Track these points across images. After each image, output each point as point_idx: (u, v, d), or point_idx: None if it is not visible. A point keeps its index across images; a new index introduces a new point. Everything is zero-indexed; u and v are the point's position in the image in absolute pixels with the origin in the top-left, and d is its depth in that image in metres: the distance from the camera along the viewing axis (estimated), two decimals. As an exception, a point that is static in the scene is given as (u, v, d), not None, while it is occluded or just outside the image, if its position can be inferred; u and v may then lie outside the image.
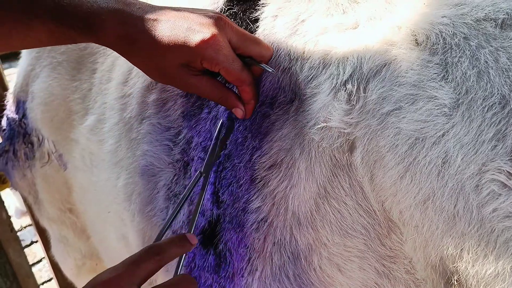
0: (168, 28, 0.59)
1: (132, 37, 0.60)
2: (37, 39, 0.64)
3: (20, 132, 1.06)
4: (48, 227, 1.25)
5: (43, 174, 1.09)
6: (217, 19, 0.60)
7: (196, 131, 0.68)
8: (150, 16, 0.60)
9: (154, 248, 0.56)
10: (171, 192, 0.71)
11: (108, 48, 0.69)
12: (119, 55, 0.65)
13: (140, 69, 0.65)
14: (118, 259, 0.92)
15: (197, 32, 0.58)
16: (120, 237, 0.84)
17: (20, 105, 1.04)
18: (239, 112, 0.62)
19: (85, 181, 0.92)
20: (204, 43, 0.58)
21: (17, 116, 1.07)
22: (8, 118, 1.11)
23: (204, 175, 0.64)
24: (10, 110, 1.10)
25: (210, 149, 0.64)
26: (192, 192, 0.65)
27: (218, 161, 0.64)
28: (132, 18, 0.60)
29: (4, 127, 1.14)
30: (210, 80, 0.62)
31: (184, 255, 0.59)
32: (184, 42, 0.58)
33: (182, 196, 0.64)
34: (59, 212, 1.13)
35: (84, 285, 0.51)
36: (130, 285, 0.51)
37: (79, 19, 0.61)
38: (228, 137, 0.64)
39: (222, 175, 0.63)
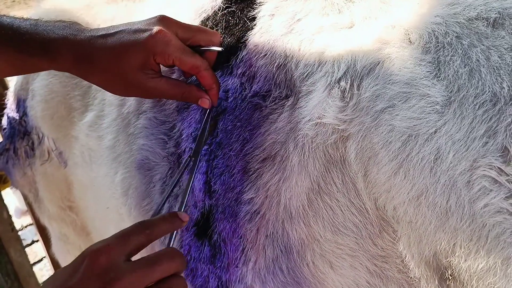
0: (117, 37, 0.62)
1: (88, 56, 0.63)
2: (2, 68, 0.68)
3: (20, 130, 1.06)
4: (48, 225, 1.25)
5: (43, 172, 1.09)
6: (160, 18, 0.63)
7: (187, 122, 0.69)
8: (101, 33, 0.63)
9: (145, 223, 0.57)
10: (166, 185, 0.71)
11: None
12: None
13: (101, 87, 0.67)
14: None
15: (144, 31, 0.61)
16: (118, 233, 0.85)
17: (20, 103, 1.05)
18: (205, 101, 0.64)
19: (84, 177, 0.92)
20: (152, 38, 0.60)
21: (17, 114, 1.07)
22: (8, 117, 1.12)
23: (193, 159, 0.64)
24: (10, 109, 1.11)
25: (199, 133, 0.65)
26: (183, 177, 0.66)
27: (209, 148, 0.65)
28: (85, 38, 0.63)
29: (4, 126, 1.15)
30: (169, 79, 0.64)
31: (175, 232, 0.60)
32: (134, 43, 0.61)
33: (172, 180, 0.65)
34: (59, 210, 1.13)
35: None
36: (119, 256, 0.52)
37: (37, 46, 0.64)
38: (217, 121, 0.65)
39: (214, 164, 0.64)
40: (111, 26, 0.64)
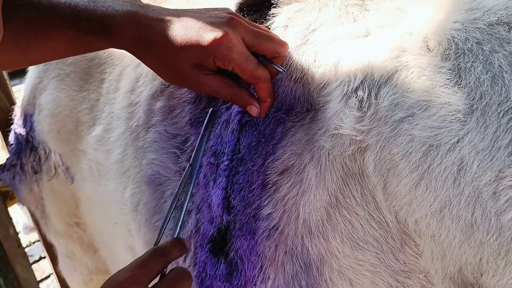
0: (181, 28, 0.60)
1: (146, 39, 0.61)
2: (56, 49, 0.66)
3: (27, 146, 1.07)
4: (55, 242, 1.25)
5: (50, 188, 1.09)
6: (229, 19, 0.61)
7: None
8: (164, 17, 0.61)
9: (160, 250, 0.60)
10: (178, 201, 0.70)
11: (115, 58, 0.70)
12: (131, 61, 0.66)
13: (154, 71, 0.66)
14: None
15: (210, 31, 0.59)
16: (128, 249, 0.84)
17: (27, 118, 1.05)
18: (254, 109, 0.62)
19: (93, 192, 0.92)
20: (216, 41, 0.58)
21: (24, 130, 1.08)
22: (15, 133, 1.12)
23: (192, 167, 0.64)
24: (17, 124, 1.11)
25: (198, 141, 0.65)
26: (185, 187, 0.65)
27: (230, 164, 0.64)
28: (146, 19, 0.61)
29: (11, 142, 1.15)
30: (222, 78, 0.63)
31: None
32: (197, 41, 0.59)
33: (176, 192, 0.64)
34: (66, 226, 1.13)
35: None
36: (142, 285, 0.56)
37: (95, 23, 0.62)
38: (212, 127, 0.65)
39: (234, 180, 0.63)
40: (176, 10, 0.63)
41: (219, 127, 0.67)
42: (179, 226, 0.63)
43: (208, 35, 0.59)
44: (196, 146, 0.65)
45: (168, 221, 0.64)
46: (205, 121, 0.66)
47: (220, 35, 0.58)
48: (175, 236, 0.63)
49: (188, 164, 0.65)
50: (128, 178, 0.79)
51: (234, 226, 0.63)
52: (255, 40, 0.61)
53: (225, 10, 0.64)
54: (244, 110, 0.64)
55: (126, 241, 0.83)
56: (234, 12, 0.64)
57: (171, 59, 0.62)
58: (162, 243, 0.61)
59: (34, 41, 0.64)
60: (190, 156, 0.69)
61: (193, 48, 0.59)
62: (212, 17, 0.61)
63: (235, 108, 0.65)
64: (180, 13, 0.62)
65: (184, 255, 0.66)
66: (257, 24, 0.66)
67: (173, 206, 0.64)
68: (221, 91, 0.63)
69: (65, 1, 0.63)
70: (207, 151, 0.67)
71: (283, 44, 0.63)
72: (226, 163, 0.64)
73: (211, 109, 0.66)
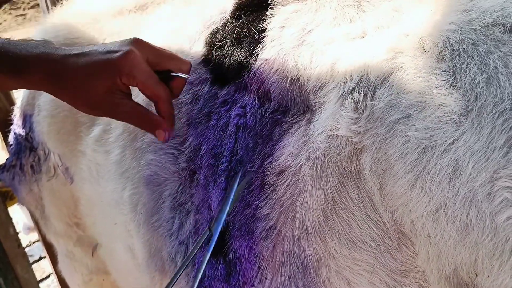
0: (89, 57, 0.64)
1: (58, 74, 0.65)
2: None
3: (26, 146, 1.07)
4: (55, 242, 1.25)
5: (49, 188, 1.10)
6: (133, 40, 0.65)
7: (205, 138, 0.69)
8: (74, 52, 0.65)
9: None
10: (176, 201, 0.71)
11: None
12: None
13: (70, 104, 0.69)
14: (125, 271, 0.92)
15: (114, 52, 0.63)
16: (127, 249, 0.85)
17: (26, 119, 1.06)
18: (161, 134, 0.66)
19: (92, 193, 0.92)
20: (120, 59, 0.62)
21: (23, 130, 1.08)
22: (15, 133, 1.13)
23: (211, 232, 0.64)
24: (17, 125, 1.12)
25: (222, 206, 0.64)
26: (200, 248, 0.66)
27: (229, 166, 0.64)
28: (57, 57, 0.65)
29: (11, 142, 1.15)
30: (134, 105, 0.66)
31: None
32: (103, 63, 0.63)
33: (190, 252, 0.64)
34: (66, 227, 1.14)
35: None
36: None
37: (7, 63, 0.65)
38: (243, 190, 0.64)
39: (233, 181, 0.64)
40: (87, 45, 0.67)
41: (218, 129, 0.67)
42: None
43: (113, 55, 0.63)
44: (219, 211, 0.64)
45: (176, 280, 0.63)
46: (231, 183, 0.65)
47: (124, 53, 0.62)
48: None
49: (207, 228, 0.65)
50: (127, 178, 0.80)
51: (233, 227, 0.63)
52: (159, 58, 0.66)
53: (132, 37, 0.67)
54: (241, 113, 0.64)
55: (125, 241, 0.84)
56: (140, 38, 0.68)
57: (84, 88, 0.65)
58: None
59: None
60: (189, 157, 0.70)
61: (101, 70, 0.63)
62: (117, 42, 0.66)
63: (234, 111, 0.65)
64: (89, 47, 0.66)
65: (183, 256, 0.67)
66: (161, 48, 0.69)
67: (184, 268, 0.64)
68: (132, 117, 0.67)
69: None
70: (207, 154, 0.67)
71: (185, 63, 0.67)
72: (225, 164, 0.65)
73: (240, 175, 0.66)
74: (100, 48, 0.64)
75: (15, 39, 0.68)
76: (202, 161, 0.67)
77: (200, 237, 0.64)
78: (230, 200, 0.63)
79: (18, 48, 0.65)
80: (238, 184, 0.64)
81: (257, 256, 0.61)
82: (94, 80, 0.64)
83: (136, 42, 0.65)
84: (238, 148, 0.64)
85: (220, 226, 0.63)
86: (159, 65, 0.66)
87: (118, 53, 0.63)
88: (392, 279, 0.54)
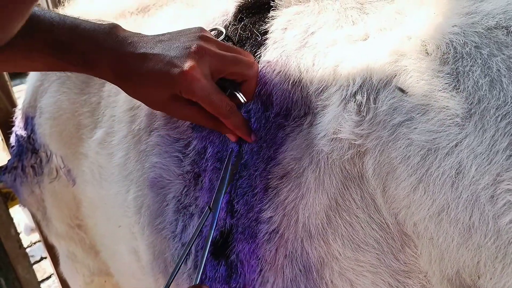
0: (152, 64, 0.64)
1: (125, 74, 0.66)
2: (33, 67, 0.73)
3: (28, 148, 1.08)
4: (56, 244, 1.26)
5: (51, 190, 1.10)
6: (196, 49, 0.63)
7: (210, 141, 0.69)
8: (139, 51, 0.65)
9: None
10: (180, 204, 0.71)
11: None
12: None
13: (139, 101, 0.71)
14: (128, 273, 0.92)
15: (175, 66, 0.62)
16: (131, 251, 0.85)
17: (28, 121, 1.06)
18: (231, 136, 0.66)
19: (94, 195, 0.93)
20: (180, 76, 0.62)
21: (25, 132, 1.09)
22: (16, 135, 1.13)
23: (212, 211, 0.65)
24: (18, 127, 1.12)
25: (219, 184, 0.65)
26: (202, 231, 0.67)
27: (228, 190, 0.65)
28: (125, 55, 0.65)
29: (12, 144, 1.16)
30: (200, 110, 0.65)
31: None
32: (165, 77, 0.63)
33: (192, 234, 0.65)
34: (68, 228, 1.14)
35: None
36: None
37: (77, 56, 0.66)
38: (237, 168, 0.65)
39: (238, 184, 0.64)
40: (151, 40, 0.66)
41: (223, 135, 0.68)
42: (200, 272, 0.64)
43: (173, 70, 0.62)
44: (216, 189, 0.66)
45: (181, 263, 0.65)
46: (226, 162, 0.66)
47: (184, 70, 0.62)
48: (197, 281, 0.63)
49: (207, 207, 0.65)
50: (130, 181, 0.80)
51: (236, 230, 0.64)
52: (222, 66, 0.64)
53: (196, 35, 0.66)
54: (246, 117, 0.65)
55: (129, 243, 0.84)
56: (204, 31, 0.67)
57: (149, 93, 0.66)
58: None
59: (13, 58, 0.67)
60: (193, 160, 0.70)
61: (163, 84, 0.63)
62: (180, 48, 0.64)
63: None
64: (153, 45, 0.65)
65: (185, 258, 0.67)
66: (227, 45, 0.68)
67: (189, 248, 0.65)
68: (201, 120, 0.67)
69: (46, 27, 0.66)
70: (212, 157, 0.68)
71: (250, 65, 0.65)
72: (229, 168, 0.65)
73: (230, 149, 0.67)
74: (163, 54, 0.64)
75: (83, 20, 0.68)
76: (207, 164, 0.68)
77: (201, 218, 0.65)
78: (227, 179, 0.65)
79: (85, 38, 0.66)
80: (232, 163, 0.65)
81: (259, 259, 0.61)
82: (156, 89, 0.65)
83: (198, 51, 0.63)
84: (243, 152, 0.65)
85: (220, 204, 0.64)
86: (223, 73, 0.65)
87: (178, 69, 0.62)
88: (395, 280, 0.55)
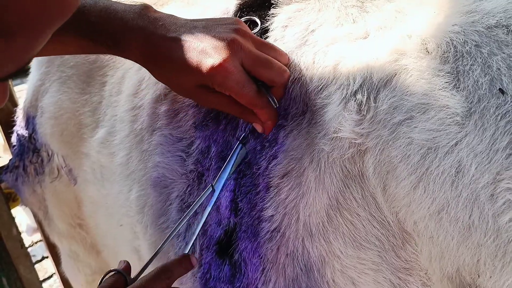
0: (183, 50, 0.62)
1: (154, 57, 0.65)
2: (66, 51, 0.72)
3: (29, 147, 1.09)
4: (58, 243, 1.27)
5: (52, 190, 1.11)
6: (231, 41, 0.61)
7: (214, 141, 0.70)
8: (171, 34, 0.64)
9: (164, 269, 0.62)
10: (184, 203, 0.72)
11: (117, 61, 0.72)
12: (133, 64, 0.70)
13: (164, 84, 0.71)
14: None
15: (209, 56, 0.61)
16: (132, 251, 0.86)
17: (29, 120, 1.07)
18: (258, 126, 0.64)
19: (96, 195, 0.94)
20: (213, 69, 0.60)
21: (26, 131, 1.10)
22: (18, 134, 1.14)
23: (214, 190, 0.66)
24: (19, 126, 1.13)
25: (225, 164, 0.66)
26: (201, 205, 0.67)
27: (238, 168, 0.66)
28: (155, 36, 0.64)
29: (14, 143, 1.17)
30: (225, 97, 0.64)
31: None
32: (196, 67, 0.61)
33: (192, 206, 0.66)
34: (69, 227, 1.15)
35: None
36: None
37: (107, 36, 0.66)
38: (245, 157, 0.66)
39: (242, 182, 0.65)
40: (184, 24, 0.65)
41: (227, 134, 0.69)
42: (190, 243, 0.65)
43: (207, 61, 0.61)
44: (222, 169, 0.66)
45: (175, 231, 0.66)
46: (236, 146, 0.67)
47: (218, 63, 0.60)
48: (186, 251, 0.65)
49: (210, 185, 0.66)
50: (133, 180, 0.81)
51: (240, 228, 0.65)
52: (254, 67, 0.62)
53: (232, 27, 0.64)
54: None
55: (131, 243, 0.85)
56: (241, 24, 0.65)
57: (176, 79, 0.65)
58: (169, 262, 0.63)
59: (49, 44, 0.67)
60: (196, 160, 0.71)
61: (193, 73, 0.62)
62: (215, 38, 0.62)
63: None
64: (186, 30, 0.64)
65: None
66: (264, 42, 0.66)
67: (186, 219, 0.66)
68: (228, 107, 0.66)
69: (78, 8, 0.65)
70: (215, 157, 0.69)
71: (281, 73, 0.63)
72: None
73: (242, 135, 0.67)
74: (196, 41, 0.62)
75: (116, 2, 0.68)
76: (211, 163, 0.69)
77: (202, 194, 0.66)
78: (233, 161, 0.65)
79: (117, 19, 0.65)
80: (240, 148, 0.66)
81: (261, 258, 0.62)
82: (185, 76, 0.63)
83: (233, 44, 0.61)
84: (247, 151, 0.65)
85: (222, 184, 0.65)
86: (253, 72, 0.62)
87: (212, 60, 0.60)
88: (396, 277, 0.55)
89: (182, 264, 0.63)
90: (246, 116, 0.65)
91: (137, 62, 0.69)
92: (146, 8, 0.66)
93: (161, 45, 0.63)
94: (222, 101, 0.65)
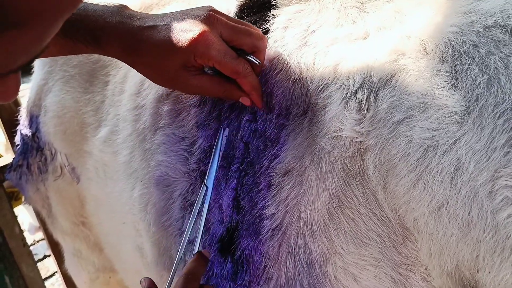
0: (163, 33, 0.64)
1: (134, 48, 0.66)
2: (53, 52, 0.72)
3: (33, 146, 1.09)
4: (61, 241, 1.27)
5: (56, 188, 1.11)
6: (207, 16, 0.64)
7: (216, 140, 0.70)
8: (149, 23, 0.65)
9: (189, 275, 0.62)
10: (186, 201, 0.73)
11: (120, 61, 0.73)
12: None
13: (145, 76, 0.71)
14: (132, 270, 0.94)
15: (188, 31, 0.63)
16: (135, 248, 0.86)
17: (33, 119, 1.08)
18: (246, 100, 0.66)
19: (99, 193, 0.94)
20: (194, 40, 0.62)
21: (30, 130, 1.10)
22: (21, 133, 1.14)
23: (207, 187, 0.67)
24: (23, 125, 1.13)
25: (211, 161, 0.68)
26: (202, 204, 0.68)
27: (240, 167, 0.67)
28: (134, 29, 0.65)
29: (17, 142, 1.17)
30: (210, 77, 0.66)
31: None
32: (177, 43, 0.63)
33: (193, 211, 0.67)
34: (73, 226, 1.16)
35: None
36: None
37: (86, 33, 0.67)
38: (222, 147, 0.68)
39: (244, 181, 0.66)
40: (161, 15, 0.67)
41: (228, 134, 0.69)
42: (198, 241, 0.66)
43: (186, 35, 0.63)
44: (209, 166, 0.68)
45: (185, 242, 0.67)
46: (219, 141, 0.69)
47: (198, 33, 0.62)
48: (195, 251, 0.66)
49: (203, 184, 0.68)
50: (136, 179, 0.82)
51: (242, 226, 0.65)
52: (233, 35, 0.64)
53: (206, 8, 0.66)
54: (251, 118, 0.66)
55: (134, 240, 0.86)
56: (214, 9, 0.67)
57: (159, 64, 0.66)
58: (187, 266, 0.64)
59: None
60: (199, 159, 0.72)
61: (175, 50, 0.63)
62: (191, 17, 0.64)
63: (245, 117, 0.67)
64: (163, 18, 0.66)
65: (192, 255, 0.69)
66: (237, 19, 0.69)
67: (191, 225, 0.68)
68: (211, 89, 0.67)
69: None
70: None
71: (261, 38, 0.66)
72: (236, 165, 0.67)
73: (222, 131, 0.69)
74: (173, 24, 0.64)
75: (92, 2, 0.69)
76: (215, 179, 0.69)
77: (199, 194, 0.68)
78: (217, 155, 0.67)
79: (95, 16, 0.66)
80: (222, 142, 0.68)
81: (263, 255, 0.63)
82: (168, 58, 0.64)
83: (210, 18, 0.64)
84: (250, 150, 0.66)
85: (213, 179, 0.67)
86: (233, 42, 0.64)
87: (192, 33, 0.62)
88: (397, 273, 0.56)
89: (200, 262, 0.64)
90: (231, 94, 0.66)
91: (117, 58, 0.70)
92: (123, 6, 0.68)
93: (141, 34, 0.65)
94: (204, 84, 0.66)
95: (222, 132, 0.69)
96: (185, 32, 0.63)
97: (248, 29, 0.66)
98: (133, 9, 0.70)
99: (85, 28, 0.66)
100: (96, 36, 0.67)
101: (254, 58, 0.65)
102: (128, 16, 0.67)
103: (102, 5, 0.68)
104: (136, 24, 0.65)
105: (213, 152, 0.68)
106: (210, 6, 0.68)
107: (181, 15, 0.66)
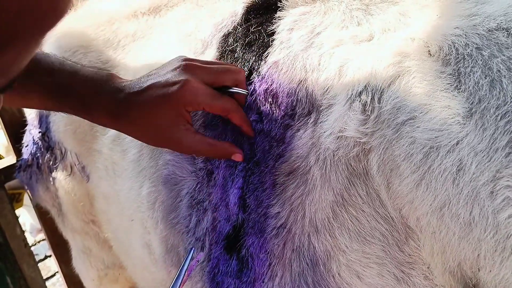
0: (149, 94, 0.67)
1: (122, 116, 0.69)
2: (30, 105, 0.80)
3: (43, 145, 1.10)
4: (71, 239, 1.28)
5: (66, 186, 1.12)
6: (184, 66, 0.67)
7: (223, 139, 0.71)
8: (134, 90, 0.68)
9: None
10: (194, 200, 0.74)
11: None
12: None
13: (138, 139, 0.74)
14: (141, 267, 0.95)
15: (173, 84, 0.66)
16: (143, 245, 0.87)
17: (43, 119, 1.09)
18: (238, 156, 0.68)
19: (108, 191, 0.95)
20: (181, 91, 0.65)
21: (40, 130, 1.11)
22: (31, 133, 1.15)
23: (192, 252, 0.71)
24: (32, 125, 1.14)
25: (175, 277, 0.69)
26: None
27: (247, 166, 0.68)
28: (120, 98, 0.68)
29: (26, 143, 1.18)
30: (203, 138, 0.69)
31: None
32: (165, 98, 0.66)
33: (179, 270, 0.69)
34: (83, 223, 1.17)
35: None
36: None
37: (76, 99, 0.70)
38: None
39: (250, 180, 0.67)
40: (142, 78, 0.70)
41: (236, 134, 0.70)
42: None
43: (172, 88, 0.65)
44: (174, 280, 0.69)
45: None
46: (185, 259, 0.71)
47: (183, 85, 0.65)
48: None
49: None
50: (144, 177, 0.83)
51: (247, 224, 0.66)
52: (214, 77, 0.68)
53: (179, 58, 0.70)
54: (257, 119, 0.68)
55: (142, 237, 0.87)
56: (187, 57, 0.71)
57: (151, 124, 0.68)
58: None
59: (9, 97, 0.70)
60: (206, 158, 0.73)
61: (164, 105, 0.66)
62: (170, 70, 0.68)
63: (251, 117, 0.68)
64: (146, 80, 0.69)
65: (198, 252, 0.71)
66: (210, 61, 0.73)
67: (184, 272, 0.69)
68: (203, 150, 0.69)
69: (46, 70, 0.70)
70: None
71: (239, 71, 0.69)
72: (243, 165, 0.68)
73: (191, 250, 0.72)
74: (157, 82, 0.67)
75: (82, 66, 0.72)
76: (221, 161, 0.71)
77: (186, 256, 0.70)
78: (181, 277, 0.69)
79: (85, 86, 0.70)
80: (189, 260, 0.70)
81: (268, 253, 0.64)
82: (159, 115, 0.67)
83: (188, 67, 0.67)
84: (256, 150, 0.67)
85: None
86: (215, 83, 0.68)
87: (177, 85, 0.65)
88: (400, 270, 0.57)
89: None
90: (223, 153, 0.69)
91: (105, 125, 0.73)
92: (111, 75, 0.72)
93: (128, 102, 0.68)
94: (196, 144, 0.68)
95: (190, 252, 0.71)
96: (170, 86, 0.66)
97: (225, 67, 0.70)
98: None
99: (76, 95, 0.69)
100: (86, 103, 0.70)
101: (240, 89, 0.68)
102: (115, 86, 0.69)
103: (92, 72, 0.71)
104: (124, 93, 0.68)
105: (179, 270, 0.70)
106: (182, 55, 0.71)
107: (160, 71, 0.69)
